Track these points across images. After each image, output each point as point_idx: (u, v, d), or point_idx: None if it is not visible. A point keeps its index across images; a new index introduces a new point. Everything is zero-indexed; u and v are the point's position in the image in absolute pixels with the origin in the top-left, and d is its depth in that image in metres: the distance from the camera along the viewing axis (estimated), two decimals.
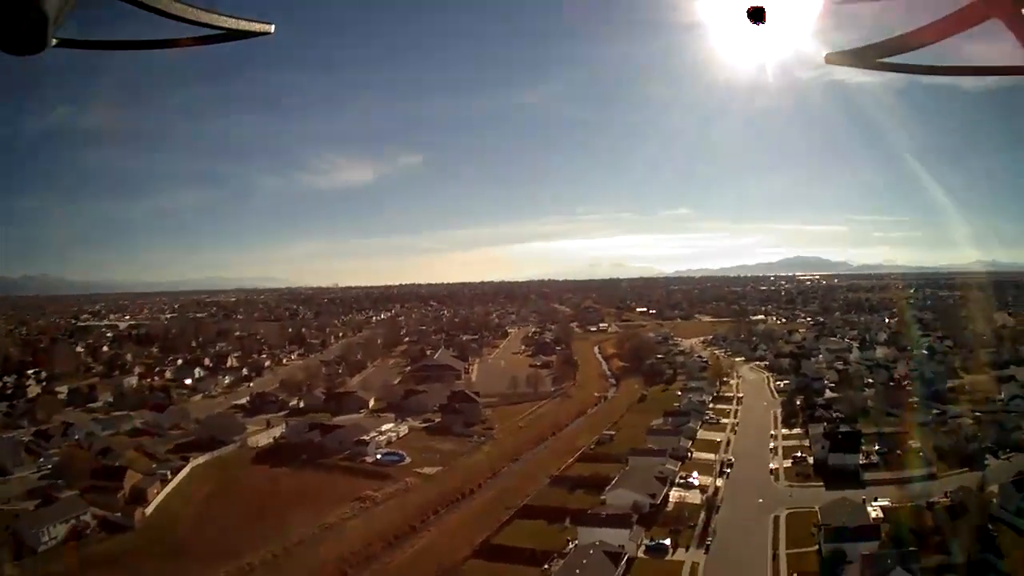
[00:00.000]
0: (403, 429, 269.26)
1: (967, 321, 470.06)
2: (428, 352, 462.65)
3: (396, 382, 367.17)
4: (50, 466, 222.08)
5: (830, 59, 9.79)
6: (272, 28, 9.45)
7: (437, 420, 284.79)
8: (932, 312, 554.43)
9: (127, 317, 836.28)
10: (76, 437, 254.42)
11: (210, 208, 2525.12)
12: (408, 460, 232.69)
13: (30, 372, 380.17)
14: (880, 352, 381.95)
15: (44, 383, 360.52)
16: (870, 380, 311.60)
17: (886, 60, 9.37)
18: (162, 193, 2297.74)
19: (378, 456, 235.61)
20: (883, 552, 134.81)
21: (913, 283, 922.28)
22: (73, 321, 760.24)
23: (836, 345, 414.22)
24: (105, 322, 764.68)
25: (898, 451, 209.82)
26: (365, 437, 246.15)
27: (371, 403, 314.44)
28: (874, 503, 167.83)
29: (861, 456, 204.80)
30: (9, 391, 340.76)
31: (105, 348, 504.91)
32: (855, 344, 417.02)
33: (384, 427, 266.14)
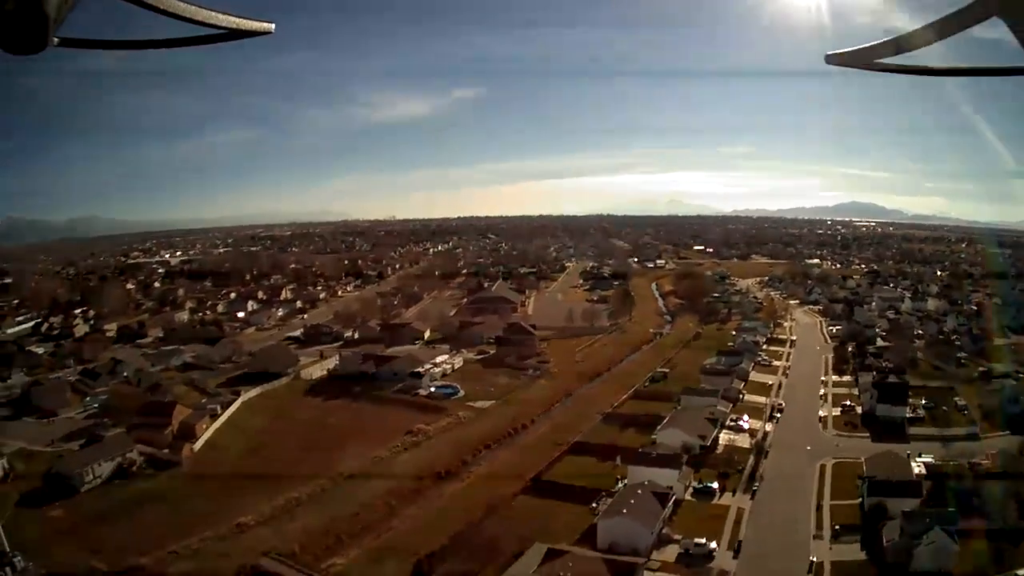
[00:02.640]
0: (458, 361, 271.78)
1: (1018, 279, 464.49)
2: (485, 284, 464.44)
3: (452, 314, 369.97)
4: (96, 405, 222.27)
5: (830, 59, 10.08)
6: (272, 27, 9.72)
7: (492, 352, 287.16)
8: (983, 267, 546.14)
9: (179, 253, 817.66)
10: (124, 374, 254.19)
11: (264, 144, 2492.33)
12: (462, 393, 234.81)
13: (78, 312, 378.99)
14: (931, 304, 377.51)
15: (92, 322, 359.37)
16: (920, 331, 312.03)
17: (885, 61, 9.61)
18: (214, 131, 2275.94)
19: (432, 389, 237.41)
20: (923, 510, 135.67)
21: (966, 236, 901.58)
22: (123, 259, 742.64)
23: (889, 294, 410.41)
24: (156, 259, 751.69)
25: (943, 407, 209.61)
26: (419, 369, 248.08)
27: (426, 334, 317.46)
28: (918, 459, 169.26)
29: (908, 409, 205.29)
30: (55, 331, 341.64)
31: (156, 284, 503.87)
32: (907, 294, 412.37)
33: (438, 359, 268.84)
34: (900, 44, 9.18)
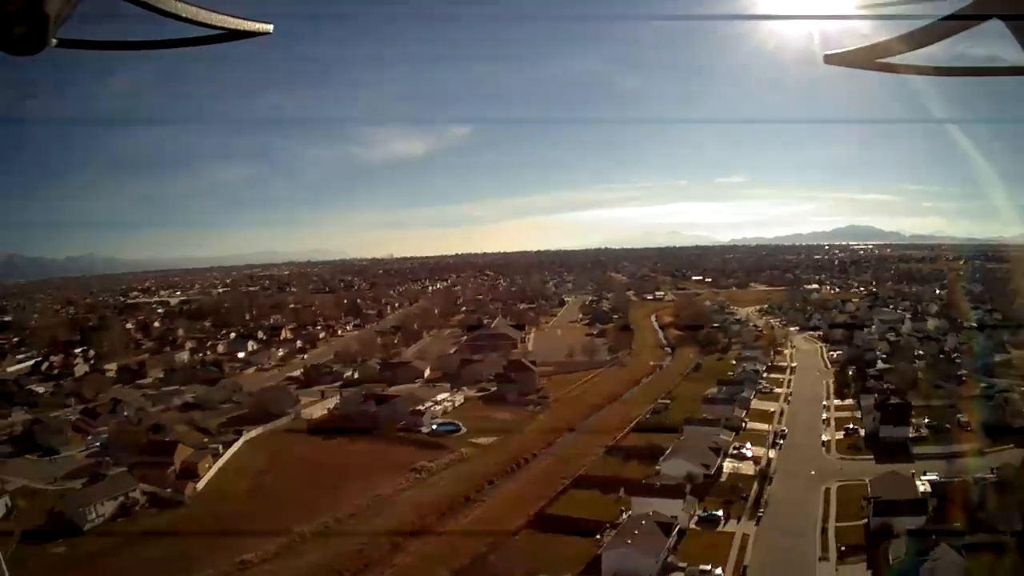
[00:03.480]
0: (458, 398, 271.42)
1: (1016, 295, 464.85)
2: (484, 321, 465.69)
3: (452, 351, 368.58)
4: (98, 444, 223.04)
5: (830, 60, 9.99)
6: (271, 28, 9.74)
7: (492, 389, 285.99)
8: (982, 285, 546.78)
9: (178, 293, 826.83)
10: (125, 414, 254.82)
11: (261, 184, 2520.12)
12: (463, 430, 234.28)
13: (77, 351, 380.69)
14: (931, 324, 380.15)
15: (92, 361, 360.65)
16: (921, 352, 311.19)
17: (886, 61, 9.65)
18: (211, 171, 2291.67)
19: (433, 426, 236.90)
20: (929, 528, 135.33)
21: (964, 255, 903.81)
22: (122, 299, 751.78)
23: (888, 316, 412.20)
24: (155, 299, 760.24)
25: (947, 425, 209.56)
26: (420, 407, 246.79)
27: (427, 372, 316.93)
28: (922, 477, 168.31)
29: (911, 429, 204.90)
30: (56, 371, 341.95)
31: (156, 324, 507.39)
32: (907, 315, 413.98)
33: (439, 396, 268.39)
34: (900, 44, 9.23)
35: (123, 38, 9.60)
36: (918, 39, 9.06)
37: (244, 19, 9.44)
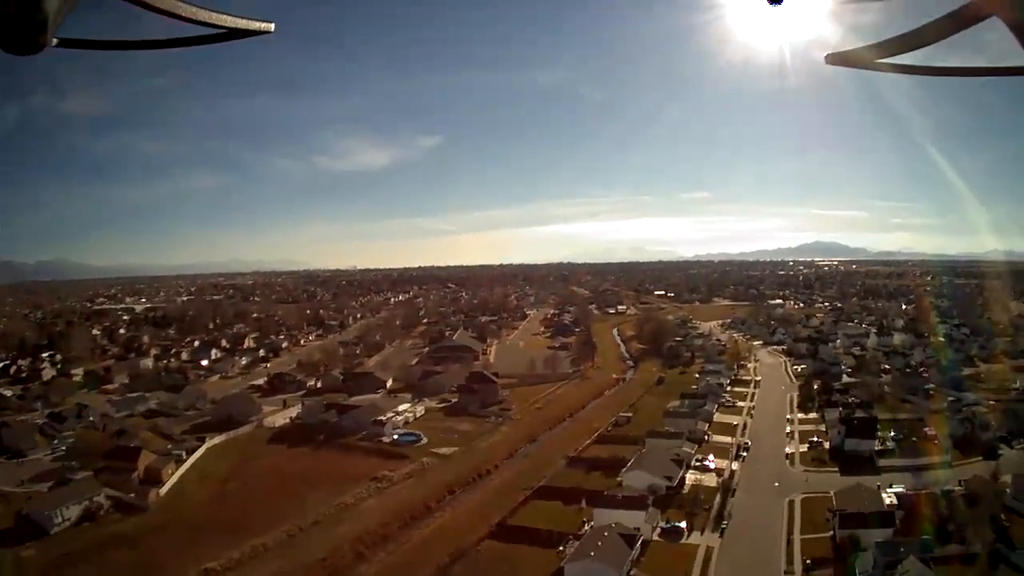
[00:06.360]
0: (420, 409, 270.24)
1: (984, 309, 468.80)
2: (447, 333, 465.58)
3: (414, 363, 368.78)
4: (64, 448, 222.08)
5: (830, 59, 9.89)
6: (272, 27, 9.56)
7: (454, 400, 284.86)
8: (949, 300, 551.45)
9: (144, 300, 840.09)
10: (91, 419, 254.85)
11: (228, 192, 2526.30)
12: (425, 440, 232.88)
13: (45, 356, 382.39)
14: (897, 338, 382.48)
15: (59, 366, 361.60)
16: (887, 366, 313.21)
17: (886, 60, 9.45)
18: (179, 178, 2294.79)
19: (395, 436, 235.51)
20: (897, 540, 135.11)
21: (931, 270, 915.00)
22: (89, 305, 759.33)
23: (854, 330, 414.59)
24: (121, 305, 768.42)
25: (913, 438, 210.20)
26: (382, 417, 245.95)
27: (388, 383, 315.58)
28: (889, 490, 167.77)
29: (877, 442, 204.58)
30: (24, 374, 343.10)
31: (121, 331, 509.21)
32: (872, 330, 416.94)
33: (401, 407, 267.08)
34: (900, 44, 9.09)
35: (123, 37, 9.49)
36: (918, 38, 8.93)
37: (244, 18, 9.30)
